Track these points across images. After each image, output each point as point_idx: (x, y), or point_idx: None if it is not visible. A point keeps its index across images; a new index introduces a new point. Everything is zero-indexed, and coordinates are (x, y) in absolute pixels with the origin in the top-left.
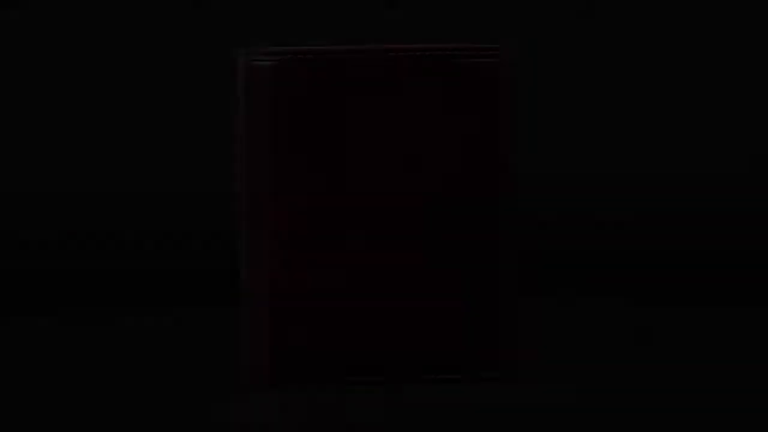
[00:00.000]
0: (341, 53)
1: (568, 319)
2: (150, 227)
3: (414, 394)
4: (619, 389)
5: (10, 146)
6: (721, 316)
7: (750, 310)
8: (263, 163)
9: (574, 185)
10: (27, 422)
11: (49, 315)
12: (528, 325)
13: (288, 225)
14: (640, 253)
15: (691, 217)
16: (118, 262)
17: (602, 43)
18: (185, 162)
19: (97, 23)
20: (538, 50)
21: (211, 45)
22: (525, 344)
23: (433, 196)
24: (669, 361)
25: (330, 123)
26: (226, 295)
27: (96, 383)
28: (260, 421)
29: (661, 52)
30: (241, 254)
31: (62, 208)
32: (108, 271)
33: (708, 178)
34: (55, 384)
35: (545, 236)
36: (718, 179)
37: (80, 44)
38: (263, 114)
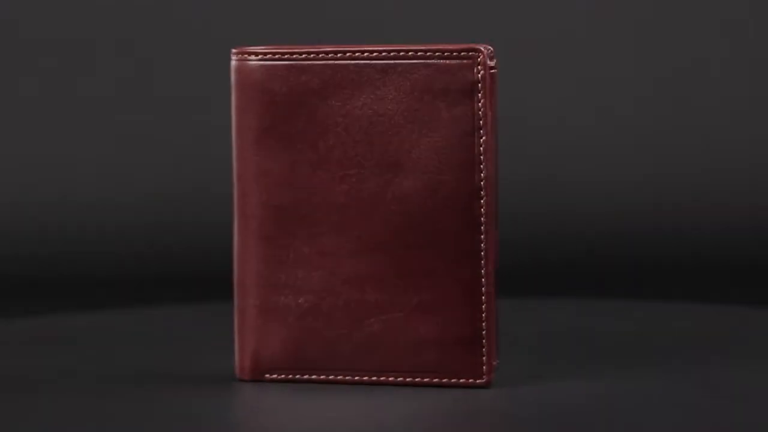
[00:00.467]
0: (320, 53)
1: (549, 320)
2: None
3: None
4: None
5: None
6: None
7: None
8: (250, 160)
9: (554, 188)
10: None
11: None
12: (511, 328)
13: (272, 222)
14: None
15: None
16: (128, 259)
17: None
18: (190, 160)
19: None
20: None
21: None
22: (506, 347)
23: (415, 198)
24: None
25: (312, 123)
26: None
27: (102, 376)
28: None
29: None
30: (233, 250)
31: (59, 211)
32: (121, 268)
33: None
34: (52, 377)
35: (527, 239)
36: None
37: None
38: (251, 113)
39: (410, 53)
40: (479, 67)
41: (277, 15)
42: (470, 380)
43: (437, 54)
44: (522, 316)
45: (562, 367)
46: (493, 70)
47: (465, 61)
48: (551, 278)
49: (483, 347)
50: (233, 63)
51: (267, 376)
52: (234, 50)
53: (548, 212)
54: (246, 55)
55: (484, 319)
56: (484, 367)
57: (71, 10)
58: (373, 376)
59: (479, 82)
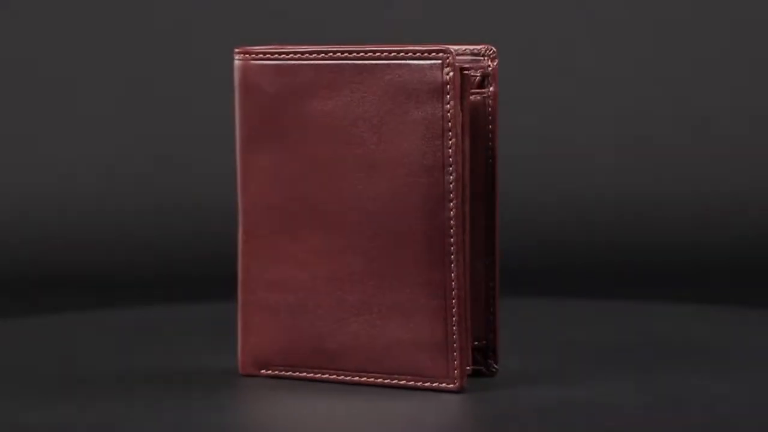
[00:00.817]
0: (305, 53)
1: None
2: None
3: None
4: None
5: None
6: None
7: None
8: (248, 159)
9: (555, 190)
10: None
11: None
12: (511, 329)
13: (266, 219)
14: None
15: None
16: (130, 259)
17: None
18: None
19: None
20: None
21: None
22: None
23: (389, 199)
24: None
25: (297, 123)
26: None
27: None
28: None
29: None
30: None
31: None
32: (122, 268)
33: None
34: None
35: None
36: None
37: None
38: (248, 112)
39: (384, 54)
40: (448, 68)
41: (286, 14)
42: (442, 384)
43: (408, 54)
44: (521, 317)
45: (554, 370)
46: (466, 72)
47: (434, 62)
48: (550, 279)
49: (453, 352)
50: (235, 62)
51: (262, 371)
52: (236, 50)
53: (548, 213)
54: (245, 55)
55: (454, 323)
56: (456, 372)
57: (72, 11)
58: (355, 376)
59: (448, 84)
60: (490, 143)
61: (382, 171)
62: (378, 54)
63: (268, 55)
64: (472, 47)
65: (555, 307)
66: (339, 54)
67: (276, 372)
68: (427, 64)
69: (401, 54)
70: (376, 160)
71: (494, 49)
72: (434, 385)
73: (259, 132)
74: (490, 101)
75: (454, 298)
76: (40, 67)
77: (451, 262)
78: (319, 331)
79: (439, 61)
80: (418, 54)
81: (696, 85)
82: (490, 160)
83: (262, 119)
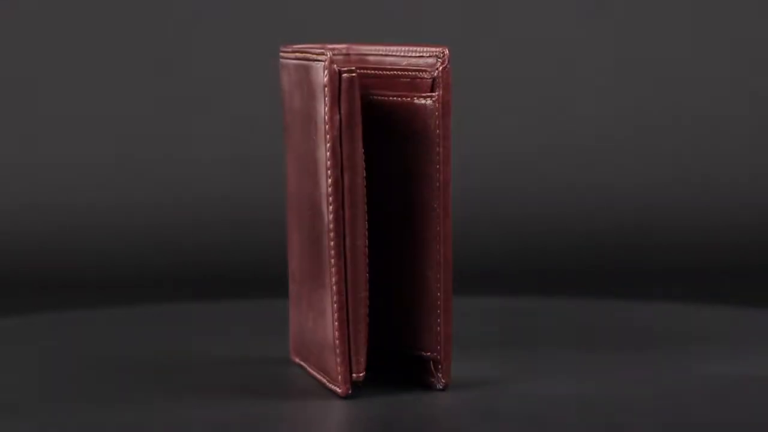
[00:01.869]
0: (288, 52)
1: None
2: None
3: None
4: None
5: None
6: None
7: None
8: (285, 155)
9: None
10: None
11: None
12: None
13: (289, 211)
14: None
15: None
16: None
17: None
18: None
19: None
20: None
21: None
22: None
23: (306, 200)
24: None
25: (287, 120)
26: None
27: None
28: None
29: None
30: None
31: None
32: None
33: None
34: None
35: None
36: None
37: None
38: (284, 110)
39: (301, 54)
40: (325, 71)
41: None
42: (334, 388)
43: (310, 56)
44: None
45: (498, 375)
46: (350, 74)
47: (319, 64)
48: (541, 279)
49: (337, 357)
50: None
51: (296, 359)
52: (281, 48)
53: (538, 214)
54: (281, 53)
55: (336, 328)
56: (339, 377)
57: (71, 12)
58: (313, 371)
59: (325, 86)
60: (438, 148)
61: (305, 171)
62: (299, 54)
63: (283, 54)
64: (432, 49)
65: (543, 306)
66: (293, 53)
67: (296, 360)
68: (317, 66)
69: (305, 55)
70: (305, 159)
71: (446, 52)
72: (332, 387)
73: (285, 128)
74: (437, 105)
75: (335, 303)
76: (41, 67)
77: (332, 266)
78: (299, 323)
79: (322, 63)
80: (311, 56)
81: (690, 85)
82: (438, 166)
83: (284, 117)
